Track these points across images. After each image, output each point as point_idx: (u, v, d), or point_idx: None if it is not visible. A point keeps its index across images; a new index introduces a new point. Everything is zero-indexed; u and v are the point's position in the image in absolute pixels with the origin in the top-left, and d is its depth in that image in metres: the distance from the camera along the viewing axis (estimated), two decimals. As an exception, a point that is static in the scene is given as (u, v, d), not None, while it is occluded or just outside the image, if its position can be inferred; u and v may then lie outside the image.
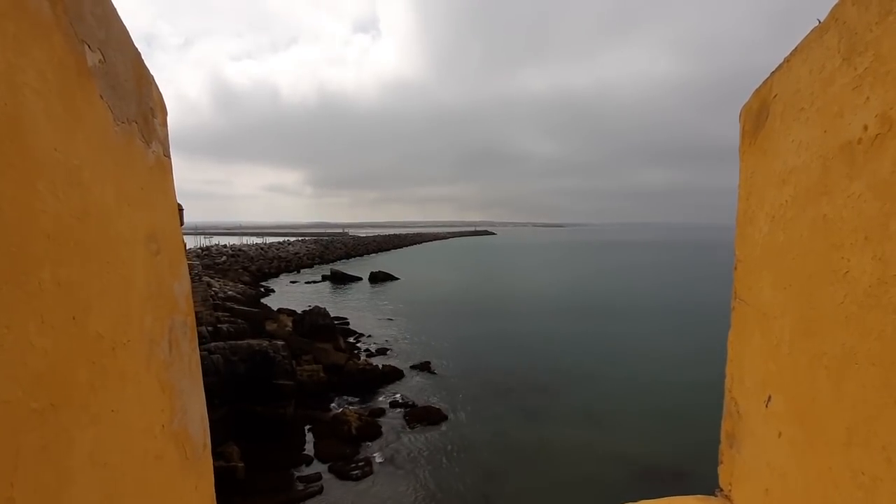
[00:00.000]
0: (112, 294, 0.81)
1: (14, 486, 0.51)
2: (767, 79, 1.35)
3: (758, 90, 1.41)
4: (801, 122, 1.14)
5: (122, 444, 0.80)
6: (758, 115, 1.38)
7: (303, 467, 16.04)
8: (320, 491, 14.66)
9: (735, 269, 1.49)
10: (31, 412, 0.56)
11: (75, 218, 0.71)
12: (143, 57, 1.14)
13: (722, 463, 1.54)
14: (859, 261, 0.90)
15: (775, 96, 1.28)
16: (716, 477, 1.58)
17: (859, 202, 0.91)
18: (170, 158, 1.29)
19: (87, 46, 0.80)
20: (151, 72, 1.21)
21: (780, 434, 1.18)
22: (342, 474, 15.43)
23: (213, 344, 18.78)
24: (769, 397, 1.24)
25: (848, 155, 0.95)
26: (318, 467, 15.98)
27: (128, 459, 0.82)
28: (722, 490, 1.52)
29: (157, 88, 1.23)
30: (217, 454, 15.05)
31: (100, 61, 0.85)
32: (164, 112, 1.28)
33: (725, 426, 1.52)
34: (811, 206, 1.08)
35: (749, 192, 1.43)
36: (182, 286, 1.24)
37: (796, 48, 1.19)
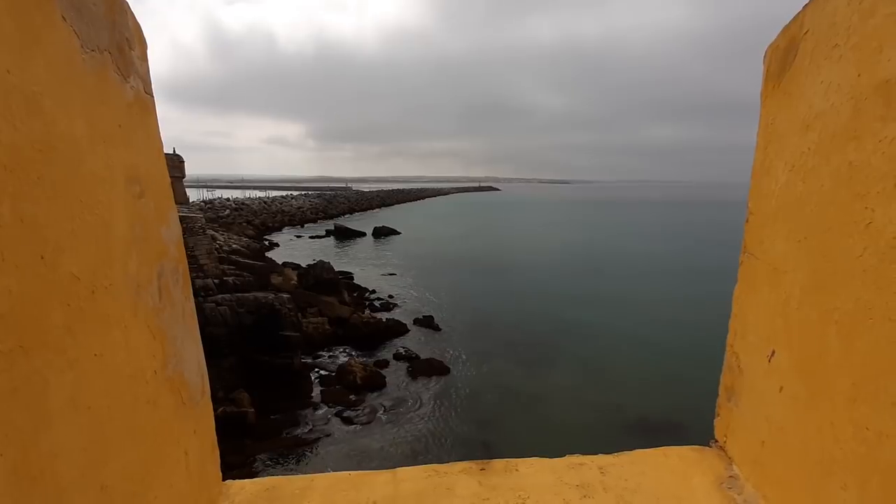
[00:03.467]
0: (88, 235, 0.76)
1: None
2: (799, 13, 1.23)
3: (787, 27, 1.29)
4: (833, 60, 1.04)
5: (107, 389, 0.78)
6: (785, 55, 1.27)
7: (311, 413, 16.73)
8: (327, 435, 15.36)
9: (746, 222, 1.43)
10: None
11: (37, 150, 0.65)
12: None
13: (718, 416, 1.54)
14: (885, 211, 0.84)
15: (806, 32, 1.17)
16: (711, 430, 1.59)
17: (892, 146, 0.84)
18: (152, 97, 1.21)
19: None
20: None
21: (781, 389, 1.16)
22: (348, 421, 16.11)
23: (219, 296, 19.11)
24: (773, 352, 1.22)
25: (884, 95, 0.87)
26: (325, 414, 16.67)
27: (115, 404, 0.81)
28: (717, 441, 1.54)
29: (134, 17, 1.14)
30: (228, 400, 15.71)
31: (59, -22, 0.77)
32: (144, 45, 1.19)
33: (724, 380, 1.51)
34: (836, 154, 1.00)
35: (768, 141, 1.34)
36: (171, 231, 1.19)
37: (835, -24, 1.07)
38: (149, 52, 1.24)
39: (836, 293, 0.97)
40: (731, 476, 1.39)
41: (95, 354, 0.76)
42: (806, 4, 1.19)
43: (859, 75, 0.94)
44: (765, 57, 1.40)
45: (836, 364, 0.95)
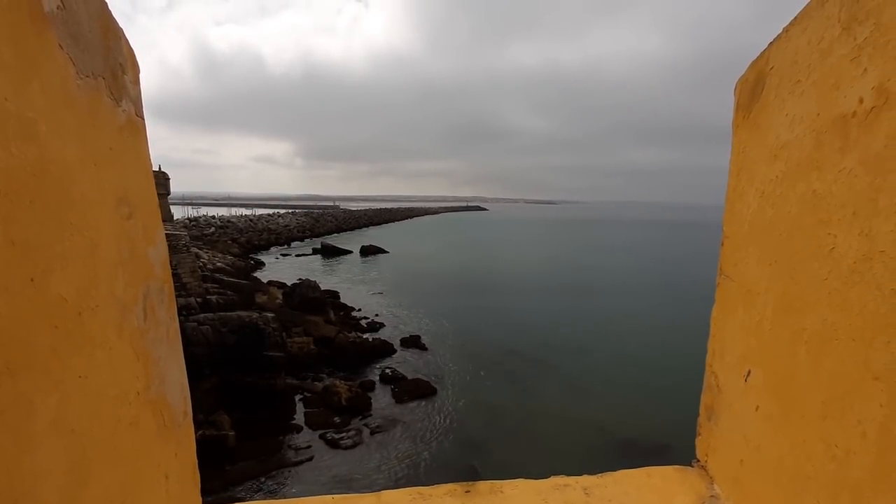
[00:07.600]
0: (76, 257, 0.77)
1: None
2: (765, 50, 1.31)
3: (754, 62, 1.37)
4: (796, 95, 1.11)
5: (91, 411, 0.78)
6: (753, 88, 1.35)
7: (293, 436, 16.32)
8: (311, 459, 14.97)
9: (722, 245, 1.48)
10: None
11: (31, 175, 0.66)
12: (110, 9, 1.07)
13: (699, 435, 1.57)
14: (846, 237, 0.90)
15: (772, 68, 1.24)
16: (693, 449, 1.61)
17: (850, 177, 0.90)
18: (143, 119, 1.23)
19: None
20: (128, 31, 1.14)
21: (757, 408, 1.19)
22: (332, 443, 15.74)
23: (202, 315, 18.76)
24: (748, 372, 1.25)
25: (841, 129, 0.93)
26: (308, 436, 16.27)
27: (98, 426, 0.80)
28: (698, 461, 1.56)
29: (128, 43, 1.16)
30: (208, 423, 15.26)
31: (58, 7, 0.79)
32: (136, 69, 1.21)
33: (704, 400, 1.54)
34: (801, 182, 1.06)
35: (740, 168, 1.41)
36: (158, 252, 1.20)
37: (796, 18, 1.15)
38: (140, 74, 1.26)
39: (804, 314, 1.01)
40: (712, 496, 1.41)
41: (80, 376, 0.76)
42: (771, 42, 1.27)
43: (819, 113, 1.00)
44: (735, 89, 1.47)
45: (807, 383, 0.99)
